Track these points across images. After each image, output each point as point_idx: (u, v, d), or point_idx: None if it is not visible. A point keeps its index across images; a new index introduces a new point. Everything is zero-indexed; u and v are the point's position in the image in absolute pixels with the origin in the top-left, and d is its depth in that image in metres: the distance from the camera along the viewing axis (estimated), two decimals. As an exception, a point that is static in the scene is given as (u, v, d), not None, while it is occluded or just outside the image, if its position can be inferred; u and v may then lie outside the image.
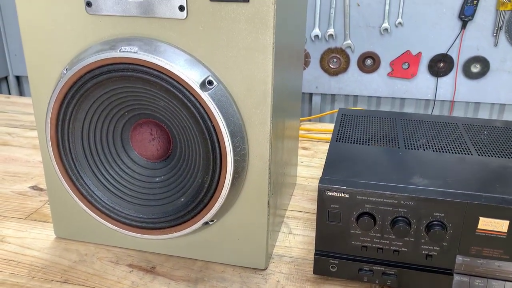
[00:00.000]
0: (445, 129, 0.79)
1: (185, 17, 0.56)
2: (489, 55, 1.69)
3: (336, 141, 0.74)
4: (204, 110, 0.57)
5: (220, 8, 0.55)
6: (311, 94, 1.89)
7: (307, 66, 1.82)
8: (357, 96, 1.85)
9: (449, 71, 1.74)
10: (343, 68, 1.79)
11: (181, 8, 0.56)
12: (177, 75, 0.56)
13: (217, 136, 0.58)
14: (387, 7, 1.67)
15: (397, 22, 1.72)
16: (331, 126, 1.17)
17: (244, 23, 0.55)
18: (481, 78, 1.72)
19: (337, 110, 1.67)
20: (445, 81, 1.75)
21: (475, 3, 1.61)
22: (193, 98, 0.57)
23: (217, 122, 0.57)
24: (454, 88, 1.73)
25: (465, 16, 1.64)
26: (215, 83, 0.57)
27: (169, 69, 0.56)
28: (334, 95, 1.87)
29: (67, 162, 0.64)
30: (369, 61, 1.77)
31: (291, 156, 0.83)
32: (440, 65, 1.74)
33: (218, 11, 0.55)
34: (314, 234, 0.74)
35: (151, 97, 0.59)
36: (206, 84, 0.57)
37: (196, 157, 0.61)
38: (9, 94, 1.97)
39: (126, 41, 0.58)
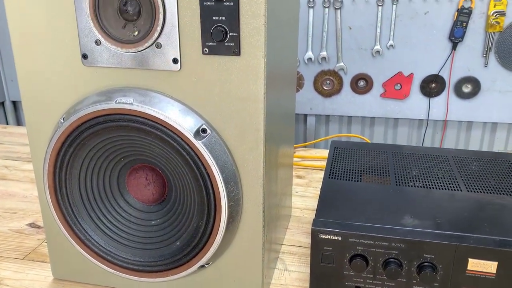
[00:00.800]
0: (436, 162, 0.81)
1: (178, 69, 0.58)
2: (480, 76, 1.72)
3: (329, 178, 0.75)
4: (198, 157, 0.58)
5: (212, 60, 0.57)
6: (305, 115, 1.91)
7: (301, 88, 1.85)
8: (351, 117, 1.87)
9: (441, 91, 1.76)
10: (337, 89, 1.81)
11: (175, 60, 0.58)
12: (171, 125, 0.58)
13: (211, 183, 0.59)
14: (378, 30, 1.70)
15: (388, 44, 1.75)
16: (325, 153, 1.19)
17: (236, 74, 0.57)
18: (473, 98, 1.75)
19: (331, 136, 1.69)
20: (438, 101, 1.77)
21: (464, 25, 1.65)
22: (187, 147, 0.58)
23: (211, 169, 0.58)
24: (447, 108, 1.75)
25: (455, 38, 1.67)
26: (208, 131, 0.59)
27: (163, 119, 0.57)
28: (329, 116, 1.89)
29: (65, 207, 0.65)
30: (362, 83, 1.80)
31: (286, 186, 0.85)
32: (432, 85, 1.77)
33: (211, 63, 0.57)
34: (309, 270, 0.75)
35: (146, 144, 0.61)
36: (200, 132, 0.59)
37: (191, 202, 0.62)
38: (6, 119, 1.98)
39: (121, 92, 0.59)
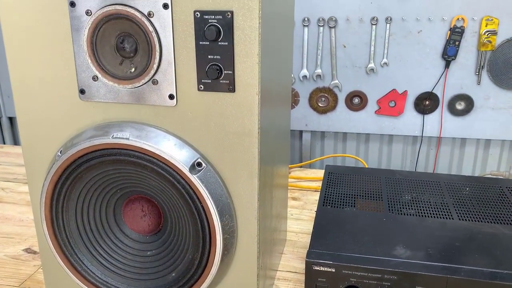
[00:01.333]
0: (428, 188, 0.82)
1: (174, 104, 0.59)
2: (473, 93, 1.74)
3: (323, 205, 0.76)
4: (194, 191, 0.59)
5: (208, 96, 0.58)
6: (301, 131, 1.92)
7: (296, 104, 1.86)
8: (346, 133, 1.89)
9: (434, 108, 1.79)
10: (332, 106, 1.83)
11: (171, 96, 0.59)
12: (167, 159, 0.58)
13: (206, 216, 0.60)
14: (372, 49, 1.72)
15: (382, 62, 1.77)
16: (320, 173, 1.20)
17: (231, 110, 0.58)
18: (466, 115, 1.77)
19: (326, 156, 1.70)
20: (432, 118, 1.79)
21: (457, 44, 1.67)
22: (182, 180, 0.59)
23: (206, 203, 0.59)
24: (440, 125, 1.77)
25: (448, 56, 1.69)
26: (203, 164, 0.60)
27: (159, 153, 0.58)
28: (324, 132, 1.91)
29: (61, 238, 0.66)
30: (356, 100, 1.81)
31: (281, 208, 0.86)
32: (426, 102, 1.79)
33: (206, 99, 0.58)
34: (303, 296, 0.76)
35: (142, 177, 0.62)
36: (195, 166, 0.60)
37: (186, 233, 0.63)
38: (2, 135, 1.99)
39: (118, 127, 0.60)
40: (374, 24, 1.66)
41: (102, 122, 0.62)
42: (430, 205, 0.77)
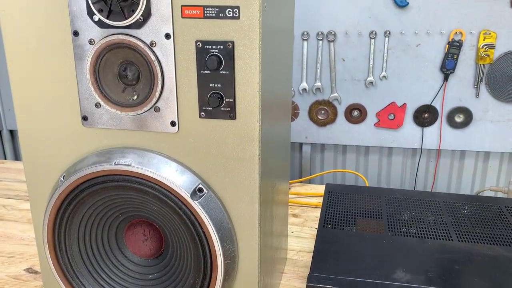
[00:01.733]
0: (427, 207, 0.83)
1: (176, 131, 0.60)
2: (472, 106, 1.75)
3: (324, 226, 0.77)
4: (195, 217, 0.60)
5: (209, 123, 0.59)
6: (301, 144, 1.93)
7: (296, 117, 1.87)
8: (346, 145, 1.89)
9: (434, 121, 1.79)
10: (331, 119, 1.84)
11: (173, 123, 0.60)
12: (168, 185, 0.59)
13: (207, 242, 0.60)
14: (371, 62, 1.73)
15: (381, 76, 1.78)
16: (321, 188, 1.20)
17: (232, 136, 0.59)
18: (465, 128, 1.78)
19: (326, 172, 1.70)
20: (431, 131, 1.80)
21: (455, 57, 1.69)
22: (184, 206, 0.60)
23: (207, 229, 0.60)
24: (440, 138, 1.78)
25: (447, 69, 1.70)
26: (205, 190, 0.61)
27: (161, 180, 0.59)
28: (324, 144, 1.91)
29: (63, 262, 0.66)
30: (356, 113, 1.83)
31: (282, 226, 0.86)
32: (425, 115, 1.80)
33: (207, 125, 0.59)
34: (304, 317, 0.76)
35: (144, 202, 0.62)
36: (196, 191, 0.60)
37: (188, 258, 0.63)
38: (3, 148, 1.99)
39: (120, 153, 0.61)
40: (372, 38, 1.68)
41: (104, 148, 0.63)
42: (430, 225, 0.77)
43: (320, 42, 1.73)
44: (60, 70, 0.60)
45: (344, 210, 0.82)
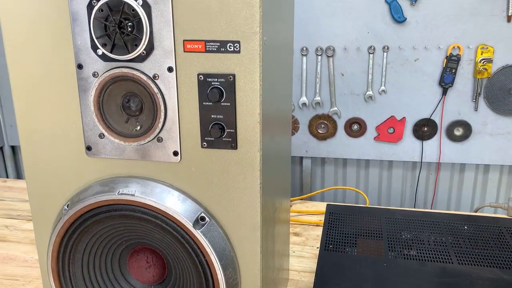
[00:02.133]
0: (428, 228, 0.83)
1: (178, 160, 0.61)
2: (470, 119, 1.76)
3: (325, 250, 0.78)
4: (197, 246, 0.60)
5: (211, 153, 0.60)
6: (301, 158, 1.94)
7: (296, 131, 1.88)
8: (346, 159, 1.90)
9: (433, 134, 1.81)
10: (331, 133, 1.85)
11: (175, 153, 0.61)
12: (171, 215, 0.60)
13: (210, 270, 0.61)
14: (370, 76, 1.75)
15: (380, 90, 1.79)
16: (322, 206, 1.21)
17: (234, 166, 0.60)
18: (465, 141, 1.79)
19: (327, 189, 1.71)
20: (430, 144, 1.81)
21: (453, 71, 1.70)
22: (186, 236, 0.60)
23: (210, 257, 0.61)
24: (439, 151, 1.79)
25: (445, 83, 1.72)
26: (207, 219, 0.61)
27: (164, 210, 0.60)
28: (324, 158, 1.92)
29: (67, 290, 0.67)
30: (355, 126, 1.84)
31: (283, 246, 0.87)
32: (424, 129, 1.81)
33: (209, 155, 0.60)
34: None
35: (147, 230, 0.63)
36: (199, 220, 0.61)
37: (191, 285, 0.64)
38: (4, 164, 2.00)
39: (123, 182, 0.62)
40: (371, 53, 1.69)
41: (108, 177, 0.64)
42: (430, 246, 0.78)
43: (319, 57, 1.74)
44: (64, 101, 0.62)
45: (345, 231, 0.83)
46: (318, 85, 1.79)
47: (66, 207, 0.64)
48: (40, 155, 0.65)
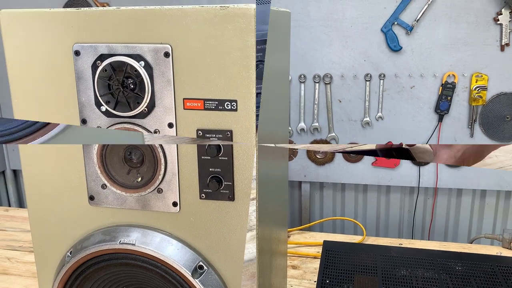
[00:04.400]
0: (421, 265, 0.85)
1: (178, 211, 0.63)
2: (466, 145, 1.77)
3: (322, 287, 0.79)
4: (197, 294, 0.62)
5: (209, 204, 0.62)
6: (300, 182, 1.96)
7: (295, 156, 1.91)
8: (344, 183, 1.92)
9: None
10: (329, 158, 1.87)
11: (175, 204, 0.63)
12: (170, 264, 0.62)
13: (208, 317, 0.63)
14: (367, 103, 1.78)
15: (377, 116, 1.82)
16: (320, 236, 1.22)
17: (231, 217, 0.62)
18: (461, 166, 1.81)
19: (325, 219, 1.73)
20: (428, 169, 1.83)
21: (449, 98, 1.73)
22: (185, 284, 0.62)
23: (209, 305, 0.62)
24: (436, 176, 1.80)
25: (441, 110, 1.75)
26: (205, 267, 0.63)
27: (164, 260, 0.62)
28: (322, 182, 1.94)
29: (69, 334, 0.68)
30: (353, 152, 1.85)
31: (281, 279, 0.88)
32: (421, 154, 1.82)
33: (207, 206, 0.62)
34: None
35: (147, 277, 0.65)
36: (197, 269, 0.63)
37: (190, 330, 0.66)
38: (6, 188, 2.02)
39: (124, 231, 0.64)
40: (368, 81, 1.72)
41: (110, 226, 0.66)
42: (424, 284, 0.79)
43: (317, 84, 1.78)
44: (68, 154, 0.64)
45: (342, 268, 0.84)
46: (316, 111, 1.82)
47: (69, 254, 0.66)
48: (45, 203, 0.67)
